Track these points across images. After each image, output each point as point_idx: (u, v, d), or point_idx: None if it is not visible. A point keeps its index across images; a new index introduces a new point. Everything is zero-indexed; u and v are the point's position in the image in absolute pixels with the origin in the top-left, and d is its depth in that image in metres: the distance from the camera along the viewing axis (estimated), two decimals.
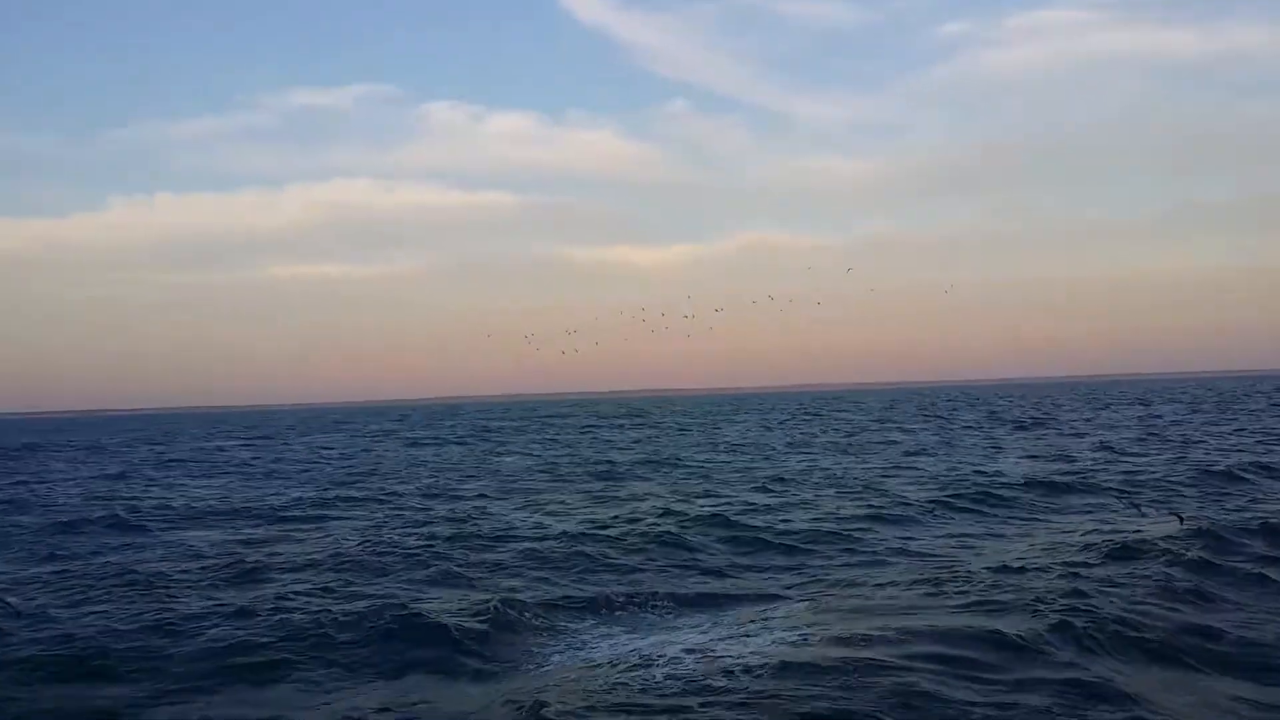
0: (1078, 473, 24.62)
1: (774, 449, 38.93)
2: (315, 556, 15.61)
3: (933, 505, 19.40)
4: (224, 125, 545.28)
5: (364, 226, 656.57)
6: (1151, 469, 25.33)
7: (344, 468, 36.01)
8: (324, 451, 47.56)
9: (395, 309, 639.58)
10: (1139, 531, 15.15)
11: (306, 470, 35.29)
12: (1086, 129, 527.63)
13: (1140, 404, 74.21)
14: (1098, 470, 25.32)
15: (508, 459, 38.08)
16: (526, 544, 16.10)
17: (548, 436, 55.89)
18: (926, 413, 71.60)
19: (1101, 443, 34.72)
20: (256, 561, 15.18)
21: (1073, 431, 42.84)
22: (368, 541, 16.85)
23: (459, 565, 14.52)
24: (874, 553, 15.17)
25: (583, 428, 67.21)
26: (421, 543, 16.49)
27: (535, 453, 41.30)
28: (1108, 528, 16.06)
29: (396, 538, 17.18)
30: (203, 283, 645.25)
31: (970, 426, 50.24)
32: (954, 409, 78.54)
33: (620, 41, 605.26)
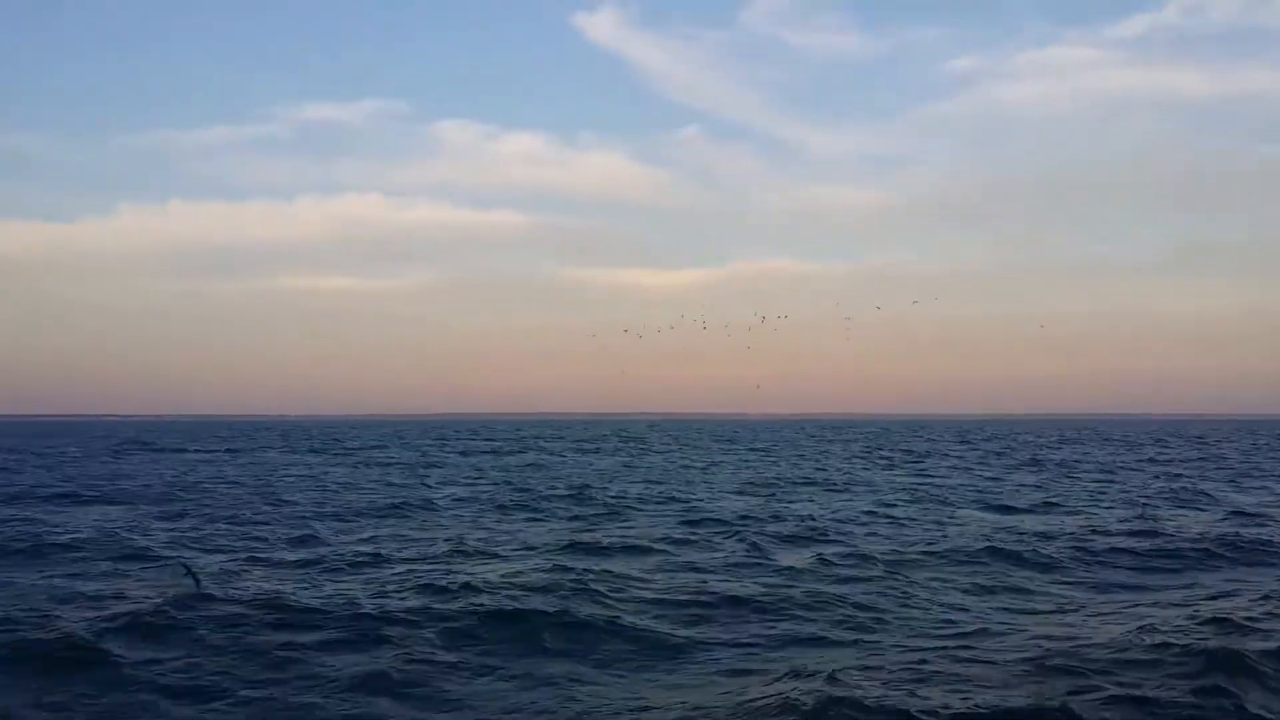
0: None
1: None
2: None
3: None
4: (236, 135, 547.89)
5: (373, 241, 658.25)
6: None
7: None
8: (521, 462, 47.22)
9: (402, 324, 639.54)
10: None
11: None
12: (1096, 166, 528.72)
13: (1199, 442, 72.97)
14: None
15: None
16: None
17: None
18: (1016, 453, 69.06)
19: None
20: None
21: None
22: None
23: None
24: None
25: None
26: None
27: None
28: None
29: None
30: (212, 291, 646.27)
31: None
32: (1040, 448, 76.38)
33: (632, 65, 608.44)
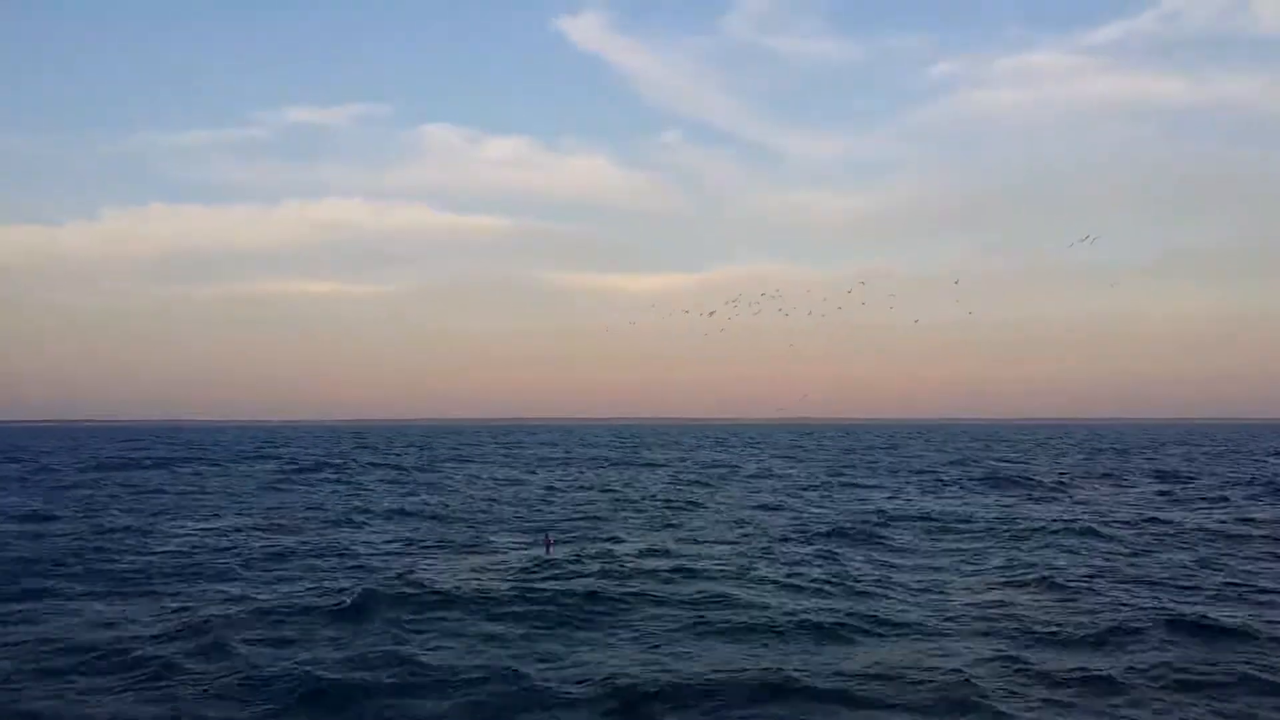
0: None
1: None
2: None
3: None
4: (219, 139, 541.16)
5: (356, 245, 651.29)
6: None
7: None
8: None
9: (385, 328, 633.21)
10: None
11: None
12: (1075, 171, 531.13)
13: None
14: None
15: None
16: None
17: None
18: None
19: None
20: None
21: None
22: None
23: None
24: None
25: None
26: None
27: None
28: None
29: None
30: (194, 295, 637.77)
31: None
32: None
33: (615, 69, 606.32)
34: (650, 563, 16.37)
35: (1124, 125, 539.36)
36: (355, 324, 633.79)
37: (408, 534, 21.17)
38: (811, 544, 19.14)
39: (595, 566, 15.91)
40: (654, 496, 30.48)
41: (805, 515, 24.71)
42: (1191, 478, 38.23)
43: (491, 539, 20.23)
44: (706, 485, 36.05)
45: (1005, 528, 21.43)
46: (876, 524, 22.29)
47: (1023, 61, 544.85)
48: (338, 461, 52.33)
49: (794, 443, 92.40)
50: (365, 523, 23.46)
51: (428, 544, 19.52)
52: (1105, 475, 40.63)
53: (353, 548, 18.82)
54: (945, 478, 38.77)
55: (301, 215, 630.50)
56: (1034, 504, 27.63)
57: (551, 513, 25.84)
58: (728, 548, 18.64)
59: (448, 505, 27.50)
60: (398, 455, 62.10)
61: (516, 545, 19.20)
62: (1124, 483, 36.11)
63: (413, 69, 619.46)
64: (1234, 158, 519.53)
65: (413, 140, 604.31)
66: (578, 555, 17.18)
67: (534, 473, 44.27)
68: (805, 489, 33.85)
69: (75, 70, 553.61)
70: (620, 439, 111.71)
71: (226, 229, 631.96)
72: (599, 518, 24.58)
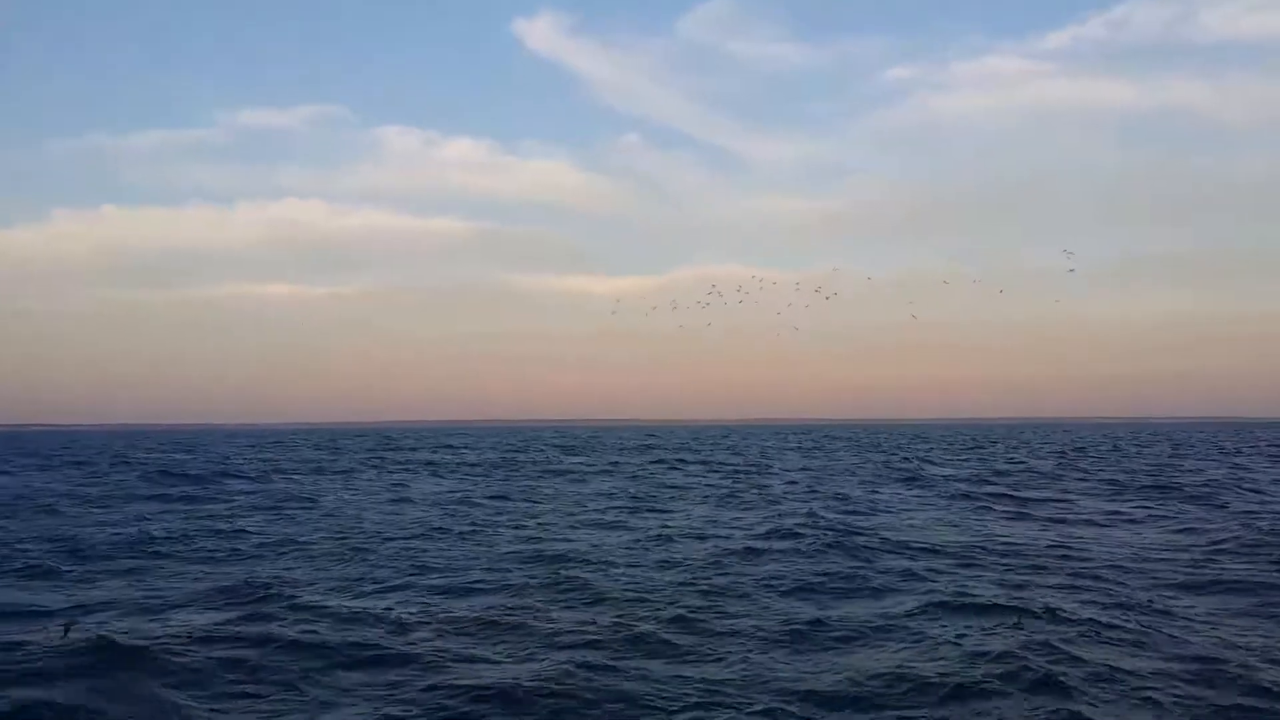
0: None
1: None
2: None
3: None
4: (175, 140, 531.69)
5: (314, 247, 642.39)
6: None
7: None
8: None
9: (344, 331, 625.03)
10: None
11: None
12: (1033, 174, 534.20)
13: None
14: None
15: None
16: None
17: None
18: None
19: None
20: None
21: None
22: None
23: None
24: None
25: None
26: None
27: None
28: None
29: None
30: (149, 298, 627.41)
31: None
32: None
33: (572, 72, 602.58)
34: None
35: (1079, 129, 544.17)
36: (313, 326, 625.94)
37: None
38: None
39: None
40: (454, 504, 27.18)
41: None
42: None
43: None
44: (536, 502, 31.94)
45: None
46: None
47: (979, 66, 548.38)
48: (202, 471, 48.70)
49: (720, 441, 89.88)
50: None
51: None
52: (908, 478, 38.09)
53: None
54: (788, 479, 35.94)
55: (258, 217, 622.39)
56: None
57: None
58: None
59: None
60: (263, 461, 58.46)
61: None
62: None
63: (370, 71, 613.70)
64: (1184, 163, 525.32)
65: (370, 142, 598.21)
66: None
67: (349, 483, 40.48)
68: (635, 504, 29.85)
69: (26, 71, 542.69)
70: (520, 443, 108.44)
71: (182, 231, 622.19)
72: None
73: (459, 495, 28.88)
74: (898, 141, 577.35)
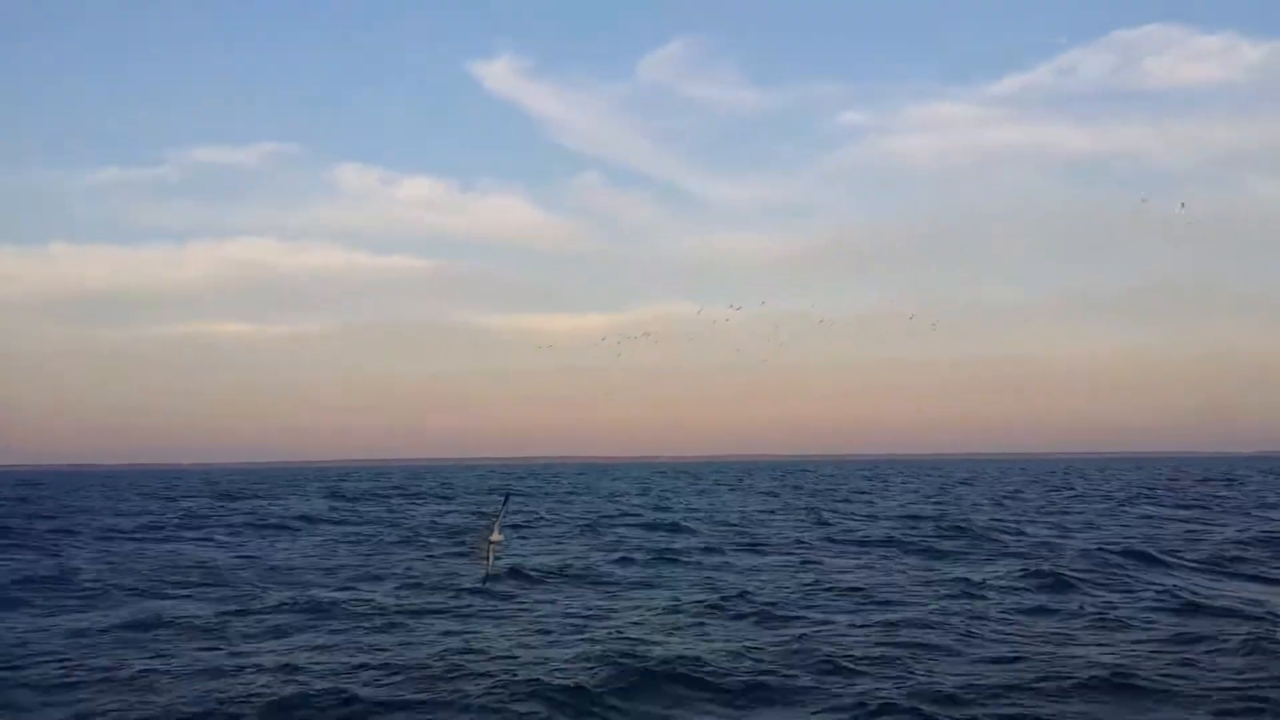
0: None
1: None
2: None
3: None
4: (125, 177, 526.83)
5: (268, 286, 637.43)
6: None
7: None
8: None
9: (299, 370, 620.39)
10: None
11: None
12: (983, 216, 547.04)
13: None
14: None
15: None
16: None
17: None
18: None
19: None
20: None
21: None
22: None
23: None
24: None
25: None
26: None
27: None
28: None
29: None
30: (99, 337, 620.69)
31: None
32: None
33: (530, 114, 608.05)
34: None
35: (1029, 173, 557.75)
36: (268, 365, 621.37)
37: None
38: None
39: None
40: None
41: None
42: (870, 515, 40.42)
43: None
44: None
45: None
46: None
47: (929, 110, 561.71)
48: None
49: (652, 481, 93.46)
50: None
51: None
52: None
53: None
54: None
55: (213, 255, 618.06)
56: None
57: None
58: None
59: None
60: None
61: None
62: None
63: (325, 109, 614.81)
64: (1132, 206, 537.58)
65: (326, 180, 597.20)
66: None
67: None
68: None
69: None
70: (465, 480, 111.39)
71: (134, 269, 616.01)
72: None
73: None
74: (854, 183, 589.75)
